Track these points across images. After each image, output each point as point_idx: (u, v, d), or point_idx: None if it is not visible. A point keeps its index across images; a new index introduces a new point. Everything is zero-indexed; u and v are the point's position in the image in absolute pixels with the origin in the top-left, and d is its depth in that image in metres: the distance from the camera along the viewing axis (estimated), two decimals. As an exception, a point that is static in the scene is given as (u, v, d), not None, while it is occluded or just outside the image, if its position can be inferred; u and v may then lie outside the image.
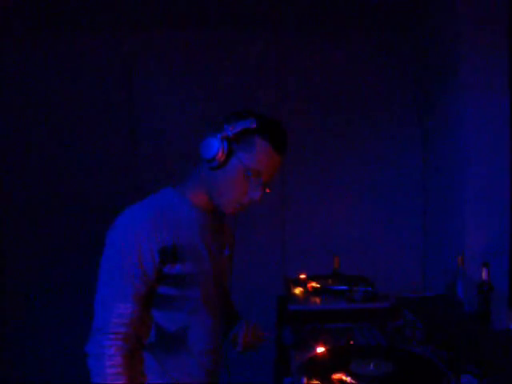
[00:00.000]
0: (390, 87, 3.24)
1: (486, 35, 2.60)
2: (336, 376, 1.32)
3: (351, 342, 1.66)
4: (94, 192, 3.20)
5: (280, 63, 3.23)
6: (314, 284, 2.13)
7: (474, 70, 2.61)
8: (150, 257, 1.43)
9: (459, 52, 2.65)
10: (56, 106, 3.20)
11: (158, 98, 3.22)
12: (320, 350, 1.52)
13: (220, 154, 1.46)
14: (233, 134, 1.45)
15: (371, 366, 1.41)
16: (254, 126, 1.45)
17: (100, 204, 3.14)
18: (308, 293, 2.08)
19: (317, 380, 1.33)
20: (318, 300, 2.00)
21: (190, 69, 3.20)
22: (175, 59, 3.21)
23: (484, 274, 2.18)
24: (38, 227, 3.24)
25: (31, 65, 3.19)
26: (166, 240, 1.46)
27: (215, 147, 1.45)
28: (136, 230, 1.44)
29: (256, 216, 3.03)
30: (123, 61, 3.19)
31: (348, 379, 1.31)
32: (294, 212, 3.23)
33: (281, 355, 2.04)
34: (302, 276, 2.23)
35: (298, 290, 2.10)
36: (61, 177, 3.22)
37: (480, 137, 2.62)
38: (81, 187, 3.22)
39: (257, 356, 2.78)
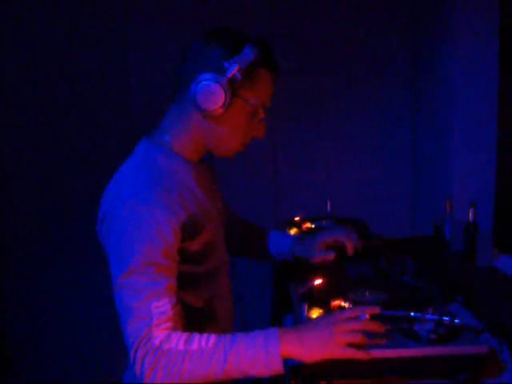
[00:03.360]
0: (385, 31, 3.26)
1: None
2: (335, 303, 1.41)
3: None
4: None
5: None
6: (308, 225, 2.20)
7: (464, 18, 2.65)
8: (174, 239, 1.23)
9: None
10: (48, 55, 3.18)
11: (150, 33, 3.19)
12: (318, 281, 1.61)
13: (227, 102, 1.23)
14: (237, 73, 1.22)
15: (367, 294, 1.52)
16: (257, 56, 1.24)
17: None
18: (303, 233, 2.16)
19: (317, 307, 1.41)
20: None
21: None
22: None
23: (470, 215, 2.27)
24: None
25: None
26: (181, 213, 1.25)
27: (220, 95, 1.22)
28: (151, 210, 1.20)
29: (247, 160, 3.07)
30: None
31: (346, 305, 1.40)
32: (286, 156, 3.28)
33: (278, 293, 2.13)
34: (297, 218, 2.30)
35: (293, 231, 2.17)
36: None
37: (468, 84, 2.67)
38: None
39: (253, 295, 2.90)
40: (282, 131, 3.23)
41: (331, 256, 1.62)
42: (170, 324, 1.18)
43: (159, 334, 1.16)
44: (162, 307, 1.17)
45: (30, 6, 3.10)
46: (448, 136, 2.78)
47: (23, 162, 3.21)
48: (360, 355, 1.17)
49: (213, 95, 1.22)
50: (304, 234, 1.84)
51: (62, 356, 3.30)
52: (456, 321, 1.26)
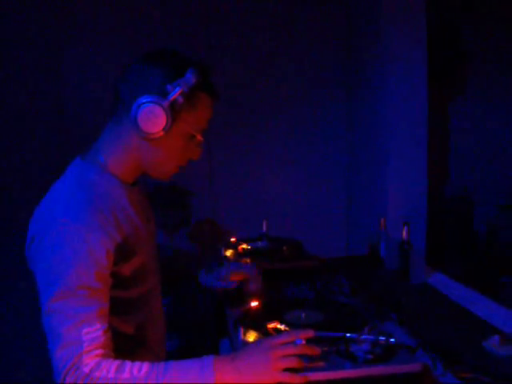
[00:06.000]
0: (320, 51, 3.31)
1: (407, 12, 2.71)
2: (271, 325, 1.39)
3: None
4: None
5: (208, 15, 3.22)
6: (244, 246, 2.18)
7: (395, 42, 2.72)
8: (107, 261, 1.19)
9: (382, 25, 2.76)
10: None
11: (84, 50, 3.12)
12: (254, 304, 1.58)
13: (168, 125, 1.23)
14: (179, 96, 1.22)
15: (303, 315, 1.50)
16: (199, 80, 1.24)
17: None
18: (239, 254, 2.13)
19: (253, 330, 1.38)
20: (248, 260, 2.05)
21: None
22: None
23: (404, 233, 2.31)
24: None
25: None
26: (115, 235, 1.22)
27: (162, 118, 1.22)
28: (84, 231, 1.16)
29: (184, 181, 3.03)
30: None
31: (282, 327, 1.37)
32: (223, 177, 3.26)
33: (215, 317, 2.09)
34: (233, 239, 2.28)
35: (229, 253, 2.14)
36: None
37: (401, 107, 2.74)
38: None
39: (189, 319, 2.84)
40: (219, 152, 3.22)
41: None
42: (100, 351, 1.13)
43: (89, 361, 1.10)
44: (94, 333, 1.12)
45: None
46: (382, 157, 2.83)
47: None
48: (297, 379, 1.16)
49: (155, 118, 1.21)
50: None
51: None
52: (391, 340, 1.26)
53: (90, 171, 1.29)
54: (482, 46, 3.83)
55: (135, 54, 1.34)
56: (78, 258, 1.15)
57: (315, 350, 1.21)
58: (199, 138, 1.33)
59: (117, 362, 1.13)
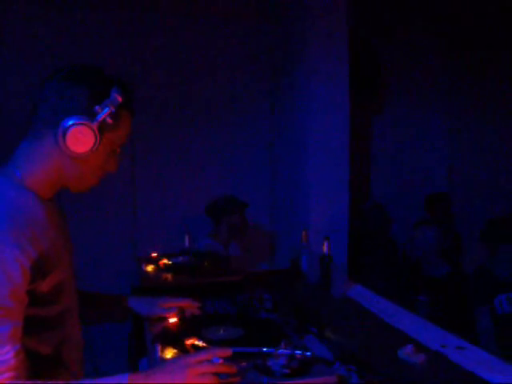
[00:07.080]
0: (245, 67, 3.35)
1: (330, 29, 2.79)
2: (189, 341, 1.37)
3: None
4: None
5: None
6: (165, 261, 2.15)
7: (318, 59, 2.79)
8: (22, 278, 1.13)
9: (307, 43, 2.82)
10: None
11: None
12: (172, 320, 1.56)
13: (96, 145, 1.24)
14: (107, 117, 1.24)
15: (221, 331, 1.49)
16: (123, 98, 1.26)
17: None
18: (160, 270, 2.10)
19: (171, 346, 1.36)
20: (169, 276, 2.02)
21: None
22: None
23: (325, 247, 2.35)
24: None
25: None
26: (31, 251, 1.15)
27: (91, 139, 1.23)
28: None
29: (106, 199, 2.98)
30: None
31: (200, 343, 1.36)
32: (145, 193, 3.23)
33: (135, 335, 2.04)
34: (154, 254, 2.24)
35: (150, 268, 2.11)
36: None
37: (322, 124, 2.81)
38: None
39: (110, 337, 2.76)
40: (142, 168, 3.19)
41: (174, 313, 1.60)
42: (11, 374, 1.08)
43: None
44: (5, 355, 1.07)
45: None
46: (304, 174, 2.88)
47: None
48: None
49: (84, 139, 1.22)
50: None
51: None
52: (308, 354, 1.27)
53: (6, 185, 1.24)
54: (399, 67, 4.01)
55: (53, 65, 1.31)
56: None
57: (232, 368, 1.21)
58: (118, 151, 1.35)
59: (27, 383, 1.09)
